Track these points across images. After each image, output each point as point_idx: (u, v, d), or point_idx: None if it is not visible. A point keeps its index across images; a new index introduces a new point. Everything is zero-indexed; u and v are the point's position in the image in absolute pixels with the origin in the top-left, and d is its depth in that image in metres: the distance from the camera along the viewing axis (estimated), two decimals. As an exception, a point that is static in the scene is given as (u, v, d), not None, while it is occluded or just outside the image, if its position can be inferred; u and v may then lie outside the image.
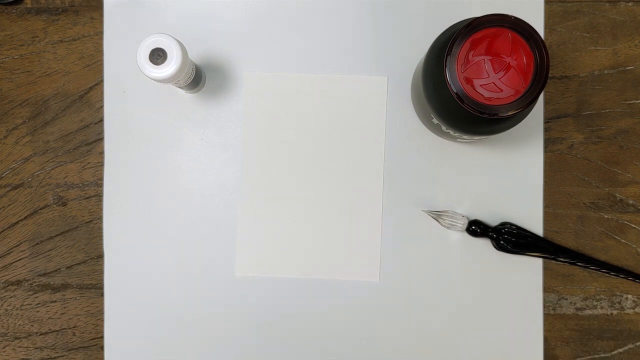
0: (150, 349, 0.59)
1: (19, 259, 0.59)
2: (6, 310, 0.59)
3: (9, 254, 0.59)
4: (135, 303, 0.59)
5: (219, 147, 0.59)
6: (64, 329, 0.59)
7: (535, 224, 0.58)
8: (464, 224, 0.57)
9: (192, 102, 0.59)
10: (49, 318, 0.59)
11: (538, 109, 0.58)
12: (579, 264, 0.57)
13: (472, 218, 0.58)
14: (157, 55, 0.49)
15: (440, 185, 0.58)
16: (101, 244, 0.59)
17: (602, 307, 0.58)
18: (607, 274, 0.58)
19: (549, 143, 0.58)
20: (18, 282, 0.59)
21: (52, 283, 0.59)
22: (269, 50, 0.58)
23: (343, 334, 0.58)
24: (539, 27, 0.58)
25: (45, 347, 0.59)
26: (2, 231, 0.59)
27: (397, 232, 0.58)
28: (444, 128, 0.50)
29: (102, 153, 0.59)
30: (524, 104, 0.43)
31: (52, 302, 0.59)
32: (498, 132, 0.48)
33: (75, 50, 0.59)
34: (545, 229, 0.58)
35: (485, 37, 0.44)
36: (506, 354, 0.58)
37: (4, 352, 0.59)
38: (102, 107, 0.59)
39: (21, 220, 0.59)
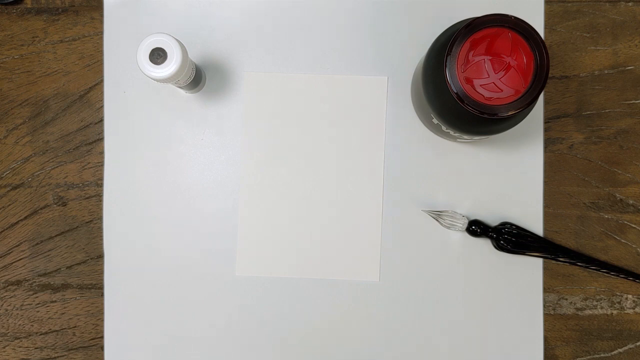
0: (150, 349, 0.59)
1: (19, 259, 0.59)
2: (6, 310, 0.59)
3: (9, 254, 0.59)
4: (135, 303, 0.59)
5: (219, 147, 0.59)
6: (64, 329, 0.59)
7: (535, 224, 0.58)
8: (464, 224, 0.57)
9: (192, 102, 0.59)
10: (49, 318, 0.59)
11: (538, 109, 0.58)
12: (579, 264, 0.57)
13: (472, 218, 0.58)
14: (157, 55, 0.49)
15: (440, 185, 0.58)
16: (101, 244, 0.59)
17: (602, 307, 0.58)
18: (607, 274, 0.58)
19: (549, 143, 0.58)
20: (18, 282, 0.59)
21: (52, 283, 0.59)
22: (269, 50, 0.58)
23: (343, 334, 0.58)
24: (539, 27, 0.58)
25: (45, 347, 0.59)
26: (2, 231, 0.59)
27: (397, 232, 0.58)
28: (444, 128, 0.50)
29: (102, 153, 0.59)
30: (524, 104, 0.43)
31: (52, 302, 0.59)
32: (498, 132, 0.48)
33: (75, 50, 0.59)
34: (545, 229, 0.58)
35: (485, 37, 0.44)
36: (506, 354, 0.58)
37: (4, 352, 0.59)
38: (102, 107, 0.59)
39: (21, 220, 0.59)
